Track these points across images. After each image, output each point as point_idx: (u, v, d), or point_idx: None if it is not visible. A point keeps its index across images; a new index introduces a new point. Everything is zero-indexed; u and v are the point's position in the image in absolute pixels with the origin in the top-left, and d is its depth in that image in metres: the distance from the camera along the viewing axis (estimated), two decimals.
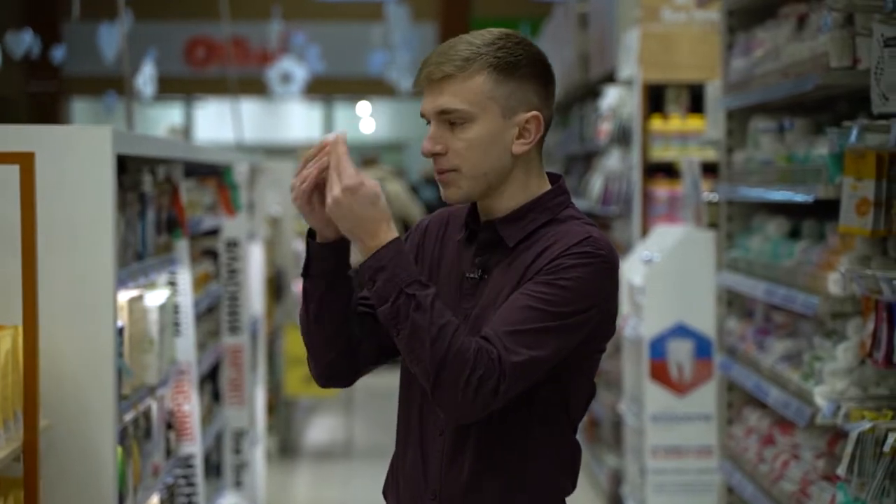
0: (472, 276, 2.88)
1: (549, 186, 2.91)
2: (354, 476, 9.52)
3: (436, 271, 2.94)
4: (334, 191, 2.74)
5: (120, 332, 4.20)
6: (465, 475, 2.84)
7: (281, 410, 10.05)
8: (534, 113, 2.85)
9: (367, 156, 13.46)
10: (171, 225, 5.26)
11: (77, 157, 3.99)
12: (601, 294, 2.80)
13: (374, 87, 21.62)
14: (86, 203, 4.00)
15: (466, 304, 2.86)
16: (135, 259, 4.57)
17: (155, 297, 4.90)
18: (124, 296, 4.43)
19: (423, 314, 2.70)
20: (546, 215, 2.87)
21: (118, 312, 4.16)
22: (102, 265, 4.00)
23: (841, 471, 3.92)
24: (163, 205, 5.12)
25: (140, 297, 4.68)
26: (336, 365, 2.93)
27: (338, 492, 9.14)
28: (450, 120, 2.82)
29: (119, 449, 4.10)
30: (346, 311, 2.88)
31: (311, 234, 2.87)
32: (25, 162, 3.63)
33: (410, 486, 2.91)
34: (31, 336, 3.63)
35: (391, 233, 2.76)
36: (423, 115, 2.87)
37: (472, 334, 2.76)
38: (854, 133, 4.09)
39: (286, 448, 10.21)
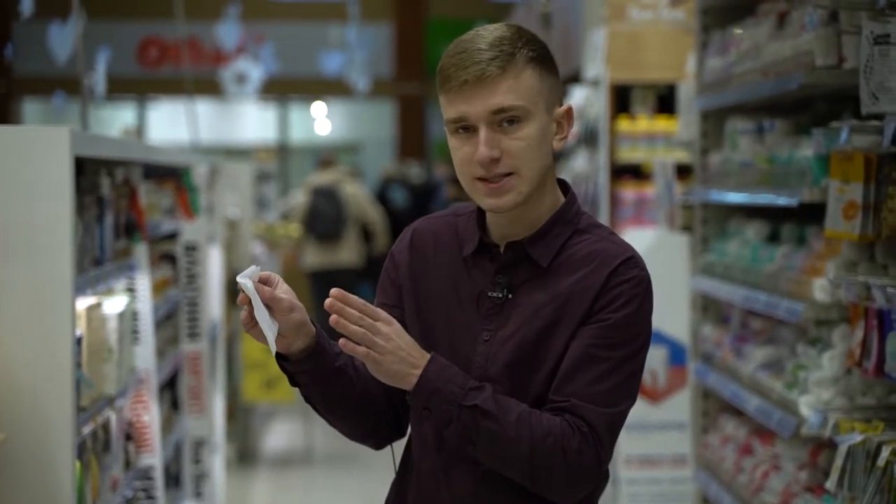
0: (495, 295, 2.70)
1: (560, 192, 2.76)
2: (314, 483, 9.32)
3: (433, 288, 2.76)
4: (371, 357, 2.55)
5: (78, 341, 4.03)
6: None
7: (239, 417, 9.87)
8: (568, 106, 2.71)
9: (323, 157, 13.30)
10: (130, 229, 5.08)
11: (33, 158, 3.80)
12: (650, 312, 2.69)
13: (329, 88, 21.45)
14: (43, 207, 3.80)
15: (489, 324, 2.69)
16: (93, 265, 4.40)
17: (113, 305, 4.72)
18: (82, 303, 4.25)
19: (493, 420, 2.56)
20: (570, 228, 2.72)
21: (76, 321, 3.98)
22: (61, 272, 3.81)
23: (830, 485, 3.78)
24: (121, 208, 4.95)
25: (98, 305, 4.50)
26: (381, 428, 2.79)
27: (298, 500, 8.97)
28: (502, 120, 2.61)
29: (77, 463, 3.92)
30: (357, 386, 2.70)
31: (278, 356, 2.67)
32: None
33: (427, 496, 2.74)
34: None
35: (423, 353, 2.59)
36: (462, 121, 2.62)
37: (499, 356, 2.64)
38: (845, 134, 3.96)
39: (244, 455, 10.03)
